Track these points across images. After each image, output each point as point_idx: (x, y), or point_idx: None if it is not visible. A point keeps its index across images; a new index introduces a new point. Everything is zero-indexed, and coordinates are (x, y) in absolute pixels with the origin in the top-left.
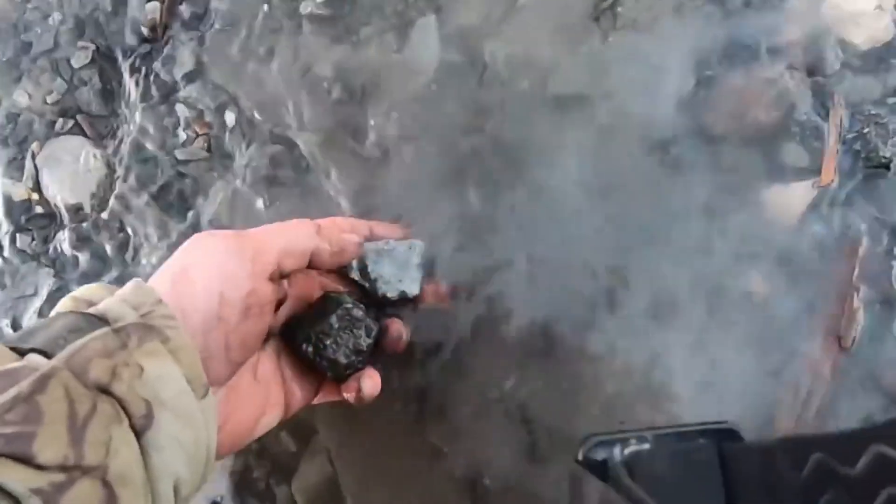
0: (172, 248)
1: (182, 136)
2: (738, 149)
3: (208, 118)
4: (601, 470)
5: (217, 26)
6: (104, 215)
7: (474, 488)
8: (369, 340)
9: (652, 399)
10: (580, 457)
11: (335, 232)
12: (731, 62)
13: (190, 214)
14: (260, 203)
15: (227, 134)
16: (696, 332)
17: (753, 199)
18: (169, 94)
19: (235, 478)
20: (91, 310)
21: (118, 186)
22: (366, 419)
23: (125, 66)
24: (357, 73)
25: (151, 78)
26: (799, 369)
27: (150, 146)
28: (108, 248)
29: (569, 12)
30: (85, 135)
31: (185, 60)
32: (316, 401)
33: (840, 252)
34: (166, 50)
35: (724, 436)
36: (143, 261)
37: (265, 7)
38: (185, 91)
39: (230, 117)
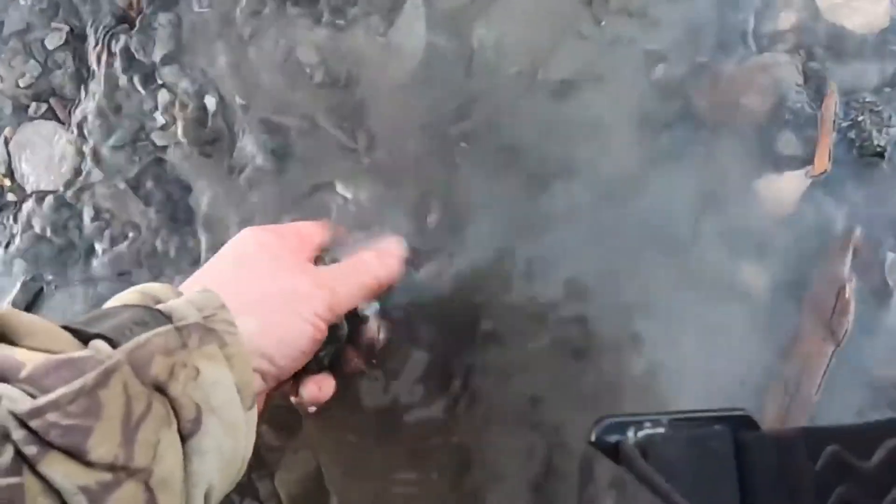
0: (150, 235)
1: (160, 120)
2: (730, 137)
3: (187, 102)
4: (613, 452)
5: (196, 7)
6: (79, 202)
7: (461, 482)
8: (334, 352)
9: (637, 392)
10: (592, 437)
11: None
12: (724, 49)
13: (169, 201)
14: (240, 189)
15: (208, 119)
16: (685, 324)
17: (746, 188)
18: (146, 76)
19: None
20: (158, 306)
21: (94, 172)
22: (351, 413)
23: (100, 48)
24: (341, 58)
25: (128, 60)
26: (789, 362)
27: (126, 131)
28: (84, 236)
29: None
30: (59, 119)
31: (163, 42)
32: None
33: (833, 243)
34: (143, 31)
35: (740, 423)
36: (121, 248)
37: None
38: (163, 74)
39: (210, 101)
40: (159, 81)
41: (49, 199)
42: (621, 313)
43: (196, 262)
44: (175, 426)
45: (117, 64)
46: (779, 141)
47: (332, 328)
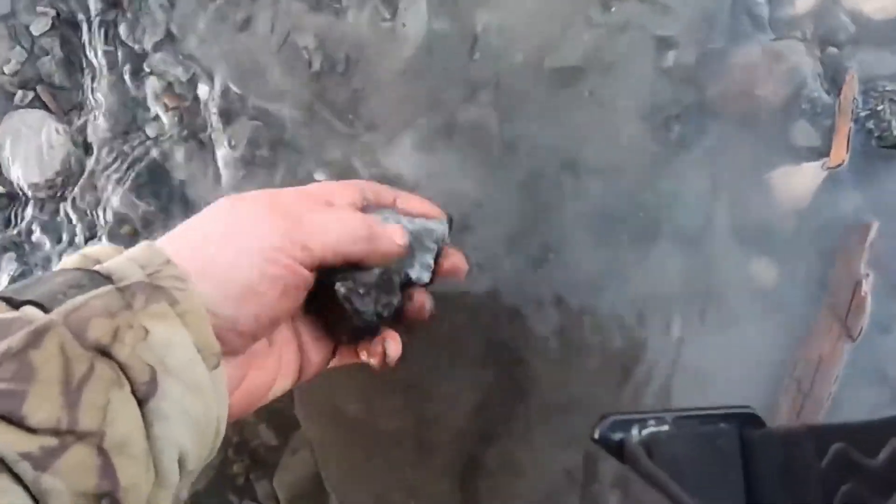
0: (143, 228)
1: (152, 110)
2: (744, 127)
3: (180, 91)
4: (617, 450)
5: None
6: (70, 195)
7: (464, 483)
8: (395, 305)
9: (644, 388)
10: (596, 435)
11: (385, 233)
12: (738, 35)
13: (163, 193)
14: (237, 181)
15: (201, 108)
16: (695, 320)
17: (759, 181)
18: (137, 64)
19: (213, 472)
20: (96, 267)
21: (84, 163)
22: (351, 412)
23: (89, 34)
24: (339, 44)
25: (118, 47)
26: (803, 359)
27: (116, 121)
28: (76, 231)
29: None
30: (47, 108)
31: (154, 28)
32: (331, 364)
33: (850, 237)
34: (133, 16)
35: (745, 421)
36: (114, 243)
37: None
38: (155, 61)
39: (203, 90)
40: (150, 69)
41: (38, 192)
42: (629, 307)
43: None
44: (128, 389)
45: (107, 51)
46: (794, 131)
47: (398, 297)
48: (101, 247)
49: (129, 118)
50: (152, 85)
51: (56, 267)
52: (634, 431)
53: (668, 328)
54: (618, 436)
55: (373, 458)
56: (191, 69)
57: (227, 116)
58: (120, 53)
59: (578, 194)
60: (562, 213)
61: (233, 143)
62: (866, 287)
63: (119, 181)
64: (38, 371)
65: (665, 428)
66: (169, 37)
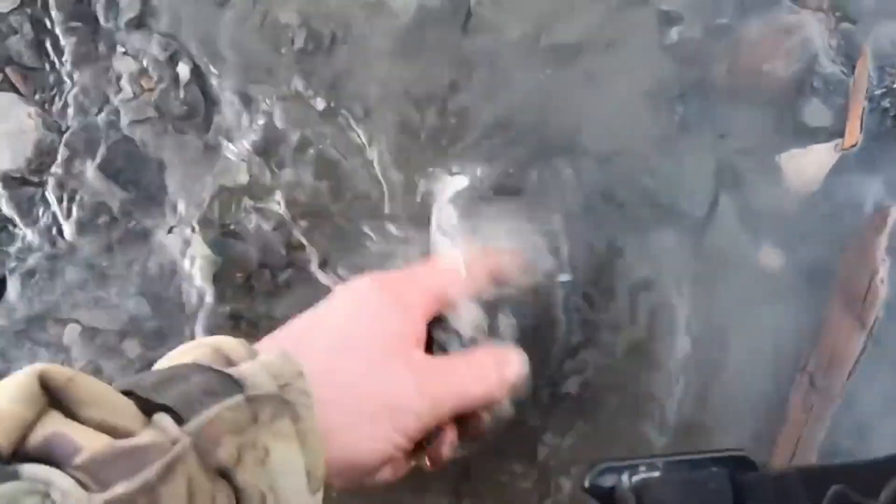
0: (122, 217)
1: (128, 91)
2: (752, 106)
3: (157, 72)
4: (608, 498)
5: None
6: (43, 181)
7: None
8: None
9: (644, 386)
10: (587, 484)
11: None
12: (746, 8)
13: (141, 181)
14: (219, 168)
15: (181, 90)
16: (698, 311)
17: (768, 164)
18: (111, 43)
19: None
20: (230, 370)
21: (58, 149)
22: None
23: (60, 12)
24: (325, 19)
25: (91, 25)
26: (816, 352)
27: (91, 104)
28: (47, 221)
29: None
30: (17, 91)
31: (129, 5)
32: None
33: (864, 223)
34: None
35: (737, 464)
36: (90, 232)
37: None
38: (130, 40)
39: (183, 70)
40: (125, 49)
41: (9, 179)
42: (627, 294)
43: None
44: None
45: (80, 29)
46: (805, 111)
47: None
48: (230, 340)
49: (102, 100)
50: (127, 65)
51: (180, 351)
52: (625, 478)
53: (665, 320)
54: (608, 482)
55: None
56: (169, 48)
57: (206, 99)
58: (93, 31)
59: (573, 178)
60: (554, 197)
61: (214, 126)
62: (883, 275)
63: (94, 167)
64: None
65: (656, 474)
66: (144, 13)
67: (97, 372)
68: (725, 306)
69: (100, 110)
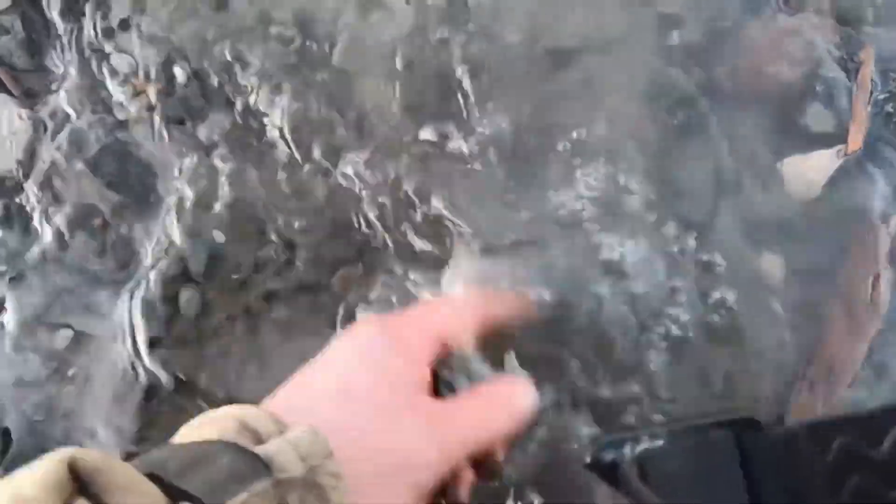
0: (115, 221)
1: (120, 94)
2: (754, 110)
3: (151, 73)
4: (611, 473)
5: None
6: (33, 185)
7: None
8: None
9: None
10: (588, 460)
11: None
12: (748, 10)
13: (133, 185)
14: (215, 171)
15: (173, 91)
16: (699, 319)
17: (770, 169)
18: (103, 44)
19: None
20: (257, 449)
21: (48, 152)
22: None
23: (52, 12)
24: (323, 20)
25: (83, 25)
26: (816, 359)
27: (83, 105)
28: (41, 222)
29: None
30: (8, 92)
31: (121, 4)
32: None
33: (866, 230)
34: None
35: (742, 426)
36: (83, 235)
37: None
38: (122, 41)
39: (179, 72)
40: (119, 49)
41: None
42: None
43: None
44: None
45: (72, 29)
46: (808, 115)
47: None
48: (256, 412)
49: (94, 102)
50: (120, 66)
51: (204, 420)
52: (627, 450)
53: (670, 328)
54: (610, 456)
55: None
56: (162, 49)
57: (201, 100)
58: (85, 32)
59: (573, 184)
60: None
61: (209, 129)
62: (884, 283)
63: (86, 170)
64: None
65: (659, 443)
66: (138, 13)
67: (88, 378)
68: (725, 313)
69: (92, 111)
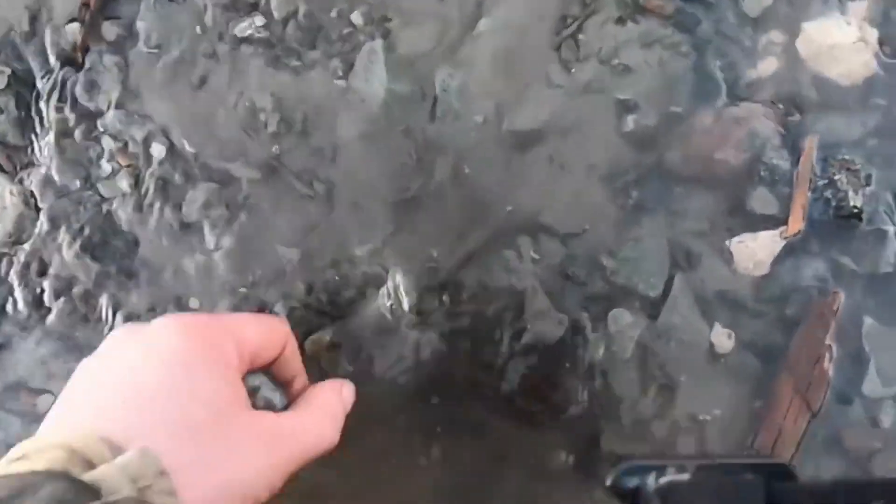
0: (97, 291)
1: (106, 169)
2: (705, 192)
3: (134, 149)
4: (631, 499)
5: (144, 49)
6: (21, 256)
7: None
8: None
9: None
10: (609, 482)
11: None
12: (699, 98)
13: (116, 255)
14: (191, 243)
15: (157, 168)
16: (656, 390)
17: (720, 248)
18: (91, 122)
19: None
20: (84, 476)
21: (37, 225)
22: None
23: (44, 92)
24: (298, 103)
25: (72, 105)
26: (763, 430)
27: (70, 180)
28: (27, 292)
29: (528, 41)
30: (2, 168)
31: (109, 86)
32: None
33: (812, 307)
34: (88, 75)
35: (774, 473)
36: (62, 307)
37: (198, 28)
38: (109, 120)
39: (158, 149)
40: (105, 128)
41: None
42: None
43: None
44: None
45: (61, 108)
46: (753, 198)
47: None
48: (87, 439)
49: (82, 177)
50: (106, 143)
51: (33, 445)
52: (651, 479)
53: (624, 396)
54: (633, 482)
55: (384, 471)
56: (146, 127)
57: (182, 177)
58: (75, 111)
59: (538, 258)
60: (517, 277)
61: (188, 204)
62: (828, 359)
63: (72, 242)
64: None
65: (685, 476)
66: (124, 95)
67: None
68: (675, 384)
69: (80, 187)
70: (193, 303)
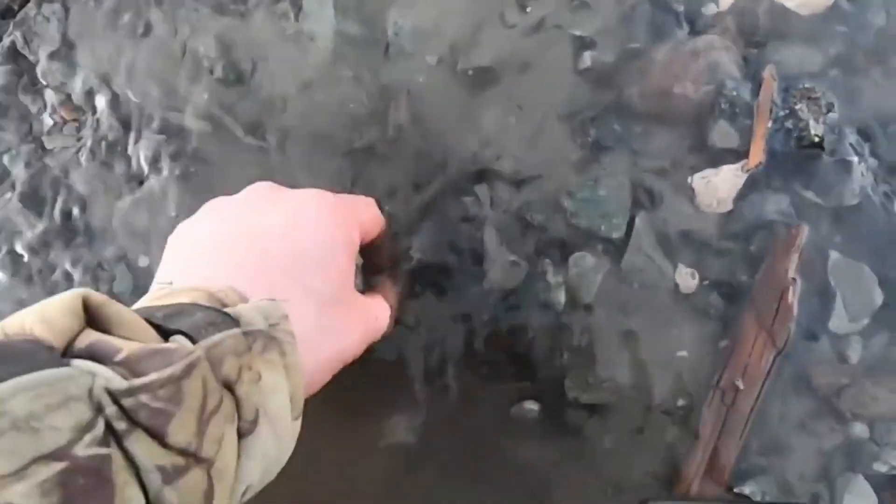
0: (43, 250)
1: (49, 122)
2: (664, 128)
3: (77, 102)
4: None
5: None
6: None
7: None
8: None
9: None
10: None
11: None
12: (657, 33)
13: (59, 211)
14: (142, 198)
15: (101, 119)
16: (617, 331)
17: (682, 184)
18: (32, 75)
19: None
20: (227, 309)
21: None
22: (334, 428)
23: None
24: (245, 49)
25: (12, 57)
26: (729, 369)
27: (12, 135)
28: None
29: None
30: None
31: (50, 37)
32: None
33: (776, 242)
34: (28, 25)
35: None
36: (11, 266)
37: None
38: (51, 71)
39: (101, 101)
40: (46, 80)
41: None
42: (551, 316)
43: (96, 281)
44: (236, 424)
45: (2, 62)
46: (714, 133)
47: None
48: (222, 287)
49: (25, 131)
50: (48, 96)
51: (174, 290)
52: None
53: (592, 343)
54: None
55: (361, 477)
56: (89, 79)
57: (128, 129)
58: (14, 64)
59: (496, 202)
60: (475, 224)
61: (135, 158)
62: (793, 294)
63: (15, 200)
64: (185, 399)
65: None
66: (65, 45)
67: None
68: (641, 325)
69: (21, 141)
70: (143, 261)
